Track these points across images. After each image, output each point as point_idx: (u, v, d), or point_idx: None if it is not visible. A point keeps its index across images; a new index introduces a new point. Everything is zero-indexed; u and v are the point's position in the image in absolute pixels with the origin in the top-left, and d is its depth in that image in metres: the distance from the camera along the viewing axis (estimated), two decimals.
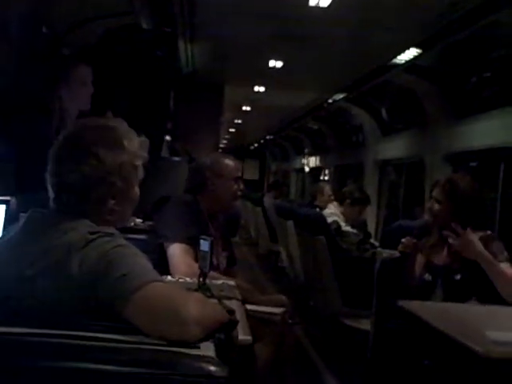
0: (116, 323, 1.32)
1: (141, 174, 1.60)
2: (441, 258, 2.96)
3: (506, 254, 2.80)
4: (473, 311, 2.54)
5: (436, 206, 2.96)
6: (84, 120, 1.61)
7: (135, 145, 1.57)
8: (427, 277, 2.93)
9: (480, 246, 2.77)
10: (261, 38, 6.11)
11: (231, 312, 1.47)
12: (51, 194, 1.52)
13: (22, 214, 1.56)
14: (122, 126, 1.59)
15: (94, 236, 1.40)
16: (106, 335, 1.27)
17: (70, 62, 2.91)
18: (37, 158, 1.66)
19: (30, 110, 2.79)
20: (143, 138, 1.66)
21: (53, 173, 1.51)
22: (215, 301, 1.61)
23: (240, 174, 2.94)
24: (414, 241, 2.96)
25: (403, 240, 2.97)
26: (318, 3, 4.77)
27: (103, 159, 1.48)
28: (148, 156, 1.65)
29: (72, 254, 1.37)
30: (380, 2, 4.67)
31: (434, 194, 2.99)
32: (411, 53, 5.68)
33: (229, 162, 2.88)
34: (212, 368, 1.20)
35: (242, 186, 2.90)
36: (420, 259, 2.98)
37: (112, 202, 1.52)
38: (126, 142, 1.54)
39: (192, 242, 2.46)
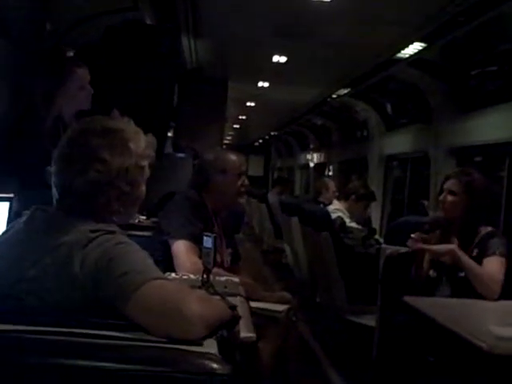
0: (118, 321, 1.32)
1: (147, 173, 1.59)
2: None
3: (501, 248, 2.77)
4: (477, 307, 2.53)
5: (449, 198, 2.89)
6: (89, 120, 1.57)
7: (142, 146, 1.56)
8: (432, 273, 2.91)
9: (459, 253, 2.74)
10: (264, 34, 6.08)
11: (233, 308, 1.47)
12: (55, 194, 1.52)
13: (25, 212, 1.55)
14: (128, 126, 1.57)
15: (95, 234, 1.39)
16: (108, 333, 1.27)
17: (67, 67, 2.86)
18: (38, 155, 1.66)
19: (30, 108, 2.78)
20: (150, 137, 1.64)
21: (57, 175, 1.50)
22: (218, 297, 1.61)
23: (244, 170, 2.87)
24: (424, 236, 2.90)
25: (413, 235, 2.93)
26: None
27: (109, 164, 1.47)
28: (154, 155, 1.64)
29: (74, 253, 1.37)
30: None
31: (448, 185, 2.91)
32: (415, 47, 5.64)
33: (232, 157, 2.84)
34: (215, 365, 1.20)
35: (246, 182, 2.85)
36: (426, 256, 2.95)
37: (117, 204, 1.52)
38: (132, 145, 1.52)
39: (196, 239, 2.45)
